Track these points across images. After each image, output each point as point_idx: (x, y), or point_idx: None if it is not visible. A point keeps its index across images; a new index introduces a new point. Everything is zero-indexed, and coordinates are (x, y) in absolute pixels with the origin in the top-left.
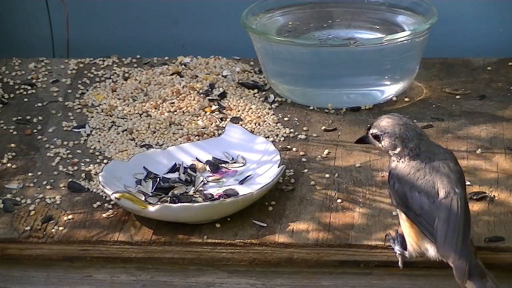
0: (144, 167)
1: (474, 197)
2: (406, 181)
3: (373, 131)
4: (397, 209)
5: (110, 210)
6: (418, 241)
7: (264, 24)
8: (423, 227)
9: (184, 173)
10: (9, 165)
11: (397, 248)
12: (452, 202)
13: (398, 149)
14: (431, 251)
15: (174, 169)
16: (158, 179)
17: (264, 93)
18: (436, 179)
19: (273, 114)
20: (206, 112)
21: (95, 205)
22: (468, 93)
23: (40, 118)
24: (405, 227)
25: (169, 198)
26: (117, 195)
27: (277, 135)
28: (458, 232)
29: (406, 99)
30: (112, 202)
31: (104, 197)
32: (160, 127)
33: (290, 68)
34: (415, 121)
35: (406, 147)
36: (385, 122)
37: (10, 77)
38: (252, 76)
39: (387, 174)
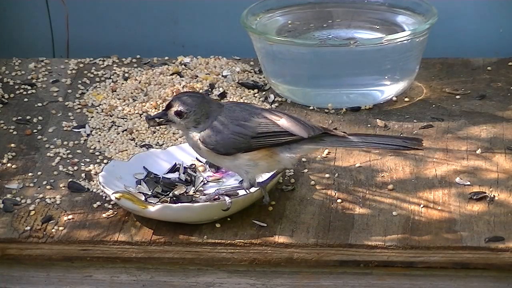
0: (144, 167)
1: (474, 197)
2: (224, 131)
3: (179, 108)
4: (236, 157)
5: (110, 210)
6: (273, 156)
7: (264, 24)
8: (276, 136)
9: (184, 173)
10: (9, 165)
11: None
12: (275, 110)
13: (201, 124)
14: (285, 155)
15: (174, 169)
16: (158, 179)
17: (264, 93)
18: (241, 115)
19: None
20: None
21: (95, 205)
22: (468, 93)
23: (40, 118)
24: (256, 160)
25: (169, 198)
26: (117, 195)
27: None
28: (299, 117)
29: (406, 99)
30: (112, 202)
31: (104, 197)
32: (160, 127)
33: (290, 68)
34: (415, 121)
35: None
36: (190, 100)
37: (10, 77)
38: (252, 76)
39: (198, 145)
